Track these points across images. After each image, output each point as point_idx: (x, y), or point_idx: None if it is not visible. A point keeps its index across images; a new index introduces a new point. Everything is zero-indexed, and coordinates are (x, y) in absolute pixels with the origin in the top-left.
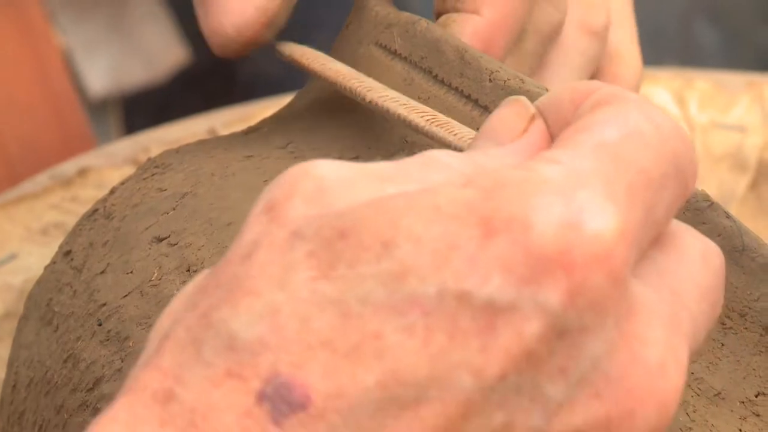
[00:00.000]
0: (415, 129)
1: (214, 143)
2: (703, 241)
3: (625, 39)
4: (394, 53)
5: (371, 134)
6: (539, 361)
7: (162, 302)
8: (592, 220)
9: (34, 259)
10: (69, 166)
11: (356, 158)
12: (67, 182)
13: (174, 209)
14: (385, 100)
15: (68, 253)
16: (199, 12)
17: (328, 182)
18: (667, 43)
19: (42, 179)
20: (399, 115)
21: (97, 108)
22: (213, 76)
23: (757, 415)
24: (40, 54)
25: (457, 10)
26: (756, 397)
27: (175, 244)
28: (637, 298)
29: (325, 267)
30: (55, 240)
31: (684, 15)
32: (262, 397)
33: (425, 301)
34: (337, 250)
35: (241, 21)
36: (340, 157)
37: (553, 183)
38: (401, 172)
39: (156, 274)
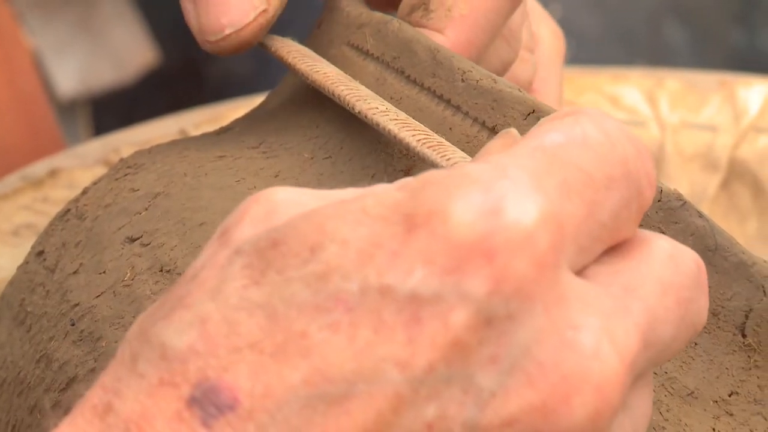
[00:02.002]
0: (405, 147)
1: (186, 143)
2: (676, 244)
3: (537, 19)
4: (367, 53)
5: (344, 134)
6: (468, 350)
7: (135, 302)
8: (513, 207)
9: (5, 260)
10: (39, 167)
11: (329, 158)
12: (37, 183)
13: (146, 209)
14: (375, 113)
15: (41, 253)
16: (190, 9)
17: (278, 205)
18: (637, 43)
19: (12, 180)
20: (390, 131)
21: (66, 109)
22: (182, 77)
23: (731, 414)
24: (9, 55)
25: (422, 26)
26: (729, 396)
27: (147, 245)
28: (571, 287)
29: (257, 275)
30: (26, 241)
31: (654, 15)
32: (191, 401)
33: (348, 298)
34: (268, 259)
35: (240, 21)
36: (312, 157)
37: (475, 177)
38: (358, 191)
39: (129, 275)
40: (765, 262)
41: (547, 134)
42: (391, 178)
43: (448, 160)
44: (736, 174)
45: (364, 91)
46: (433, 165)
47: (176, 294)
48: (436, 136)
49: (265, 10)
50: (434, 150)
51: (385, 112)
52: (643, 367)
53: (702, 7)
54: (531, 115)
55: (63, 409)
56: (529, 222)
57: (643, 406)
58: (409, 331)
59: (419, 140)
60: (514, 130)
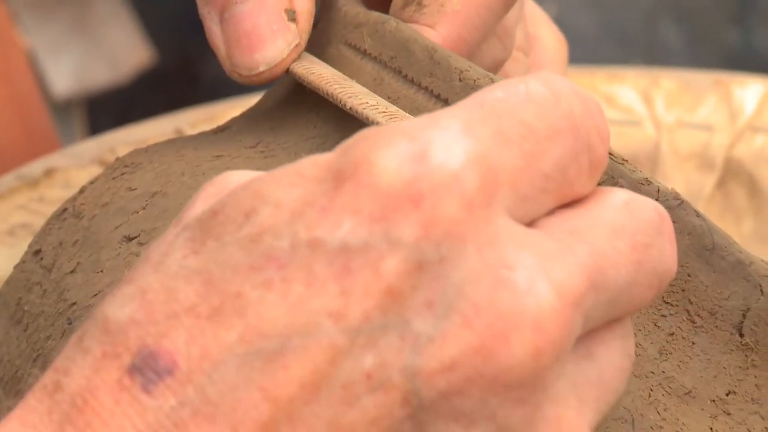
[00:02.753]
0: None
1: (183, 142)
2: (636, 195)
3: (538, 22)
4: (364, 53)
5: (341, 135)
6: (402, 297)
7: None
8: (439, 151)
9: (1, 260)
10: (35, 167)
11: None
12: (33, 183)
13: (144, 208)
14: (365, 108)
15: (38, 252)
16: (218, 38)
17: (229, 184)
18: (632, 42)
19: (8, 180)
20: (379, 124)
21: (61, 108)
22: (177, 77)
23: (728, 414)
24: (4, 55)
25: (414, 21)
26: (727, 395)
27: (145, 244)
28: (506, 229)
29: (197, 246)
30: (22, 241)
31: (649, 15)
32: (132, 369)
33: (280, 254)
34: (207, 228)
35: (275, 58)
36: None
37: (403, 129)
38: None
39: (126, 273)
40: (762, 261)
41: (489, 91)
42: None
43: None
44: (731, 173)
45: (357, 88)
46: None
47: (126, 276)
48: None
49: (298, 45)
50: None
51: (374, 106)
52: (602, 312)
53: (698, 6)
54: None
55: None
56: (455, 164)
57: (615, 358)
58: (341, 282)
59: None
60: None
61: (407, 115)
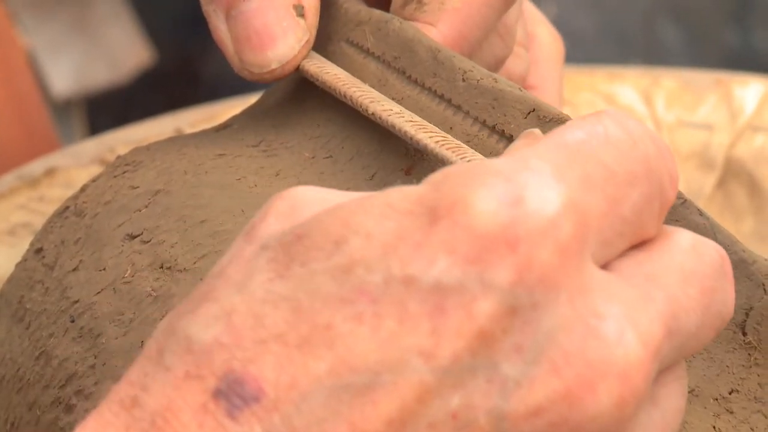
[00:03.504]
0: (423, 149)
1: (184, 140)
2: (698, 237)
3: (535, 20)
4: (367, 52)
5: (345, 134)
6: (493, 340)
7: (135, 299)
8: (535, 196)
9: (2, 259)
10: (36, 166)
11: (329, 157)
12: (34, 182)
13: (146, 207)
14: (390, 115)
15: (39, 250)
16: (225, 37)
17: (303, 201)
18: (632, 43)
19: (9, 179)
20: (406, 133)
21: (61, 108)
22: (177, 77)
23: (731, 412)
24: (4, 55)
25: (414, 19)
26: (730, 394)
27: (147, 242)
28: (594, 277)
29: (282, 269)
30: (22, 240)
31: (648, 15)
32: (217, 393)
33: (372, 288)
34: (293, 253)
35: (286, 55)
36: (313, 157)
37: (497, 168)
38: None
39: (129, 271)
40: (765, 260)
41: (568, 131)
42: (392, 178)
43: (469, 161)
44: (732, 173)
45: (375, 92)
46: (434, 155)
47: (202, 290)
48: (451, 137)
49: (308, 40)
50: (453, 152)
51: (399, 114)
52: (671, 357)
53: (697, 6)
54: (531, 114)
55: (63, 405)
56: (551, 211)
57: (675, 401)
58: (434, 321)
59: (437, 142)
60: (537, 131)
61: (433, 126)
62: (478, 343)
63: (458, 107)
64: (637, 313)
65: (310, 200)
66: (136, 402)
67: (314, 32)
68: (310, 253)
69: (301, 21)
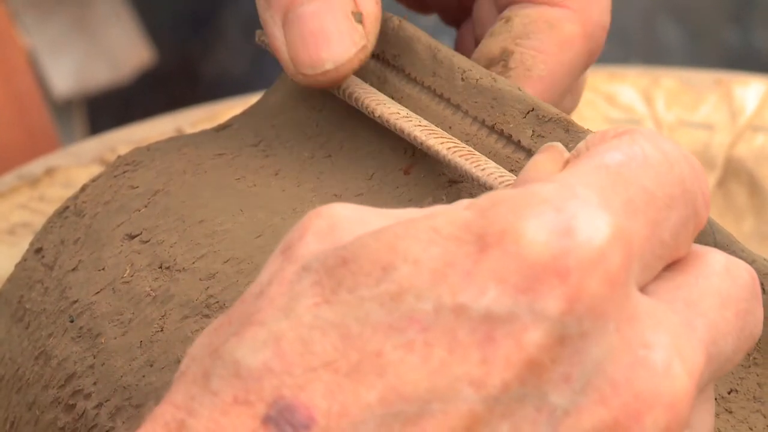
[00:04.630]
0: (434, 155)
1: (184, 140)
2: (730, 258)
3: None
4: None
5: (344, 134)
6: (542, 369)
7: (134, 299)
8: (584, 226)
9: (2, 259)
10: (36, 166)
11: (328, 157)
12: (34, 182)
13: (146, 206)
14: (397, 119)
15: (39, 250)
16: (278, 36)
17: (341, 220)
18: (631, 42)
19: (9, 179)
20: (416, 138)
21: (61, 108)
22: (177, 77)
23: (730, 412)
24: (4, 55)
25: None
26: (728, 393)
27: (147, 242)
28: (640, 305)
29: (328, 293)
30: (22, 240)
31: (648, 14)
32: (267, 420)
33: (423, 317)
34: (339, 277)
35: (341, 57)
36: (312, 156)
37: (544, 196)
38: (418, 211)
39: (128, 271)
40: (764, 259)
41: (607, 153)
42: (391, 177)
43: (483, 170)
44: (732, 172)
45: (381, 95)
46: (465, 174)
47: (244, 310)
48: (461, 143)
49: (364, 46)
50: (466, 159)
51: (407, 117)
52: (706, 381)
53: (697, 6)
54: (530, 113)
55: (62, 405)
56: (601, 241)
57: (707, 421)
58: (484, 350)
59: (449, 148)
60: (558, 144)
61: (442, 131)
62: (527, 372)
63: (457, 106)
64: (682, 341)
65: (348, 219)
66: (183, 426)
67: (373, 40)
68: (357, 278)
69: (359, 27)
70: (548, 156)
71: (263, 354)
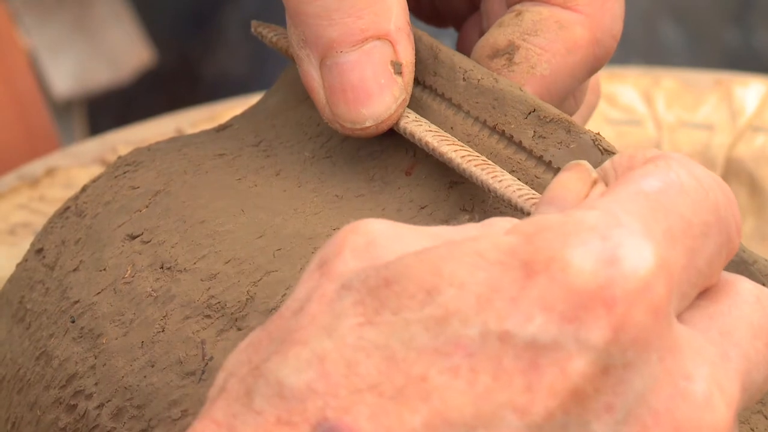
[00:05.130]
0: (448, 162)
1: (185, 141)
2: (758, 286)
3: None
4: None
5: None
6: (585, 398)
7: (135, 299)
8: (630, 256)
9: (2, 259)
10: (36, 166)
11: (329, 158)
12: (34, 182)
13: (147, 207)
14: (408, 123)
15: (40, 250)
16: (318, 89)
17: (378, 236)
18: (631, 42)
19: (9, 179)
20: (427, 144)
21: (61, 108)
22: (177, 77)
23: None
24: (5, 55)
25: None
26: None
27: (148, 242)
28: (681, 336)
29: (371, 314)
30: (23, 240)
31: (649, 14)
32: None
33: (468, 343)
34: (382, 298)
35: (382, 114)
36: (313, 156)
37: (589, 224)
38: (456, 231)
39: (129, 272)
40: (765, 260)
41: (644, 179)
42: (392, 178)
43: (500, 182)
44: (732, 173)
45: (468, 147)
46: (481, 185)
47: (283, 326)
48: (473, 151)
49: (404, 99)
50: (482, 169)
51: (417, 121)
52: (739, 412)
53: (697, 6)
54: (531, 114)
55: (63, 405)
56: (646, 271)
57: None
58: (528, 377)
59: (463, 157)
60: (586, 162)
61: (453, 137)
62: (570, 400)
63: (458, 106)
64: (720, 372)
65: (384, 235)
66: None
67: (410, 90)
68: (401, 300)
69: (399, 79)
70: (575, 174)
71: (307, 374)
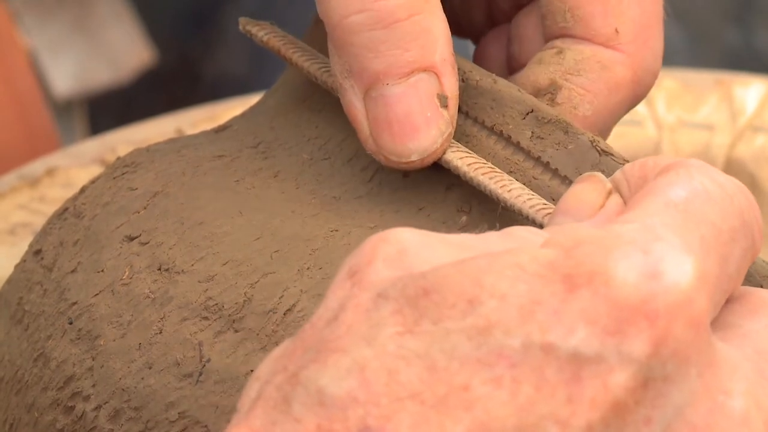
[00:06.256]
0: (454, 170)
1: (183, 142)
2: None
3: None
4: None
5: (343, 136)
6: (625, 411)
7: (133, 301)
8: (672, 270)
9: (2, 259)
10: (36, 166)
11: (327, 159)
12: (34, 182)
13: (145, 208)
14: (452, 155)
15: (38, 252)
16: (362, 120)
17: (408, 245)
18: None
19: (9, 179)
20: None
21: (62, 108)
22: (178, 77)
23: None
24: (5, 55)
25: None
26: None
27: (146, 243)
28: (719, 351)
29: (410, 323)
30: (22, 240)
31: None
32: None
33: (511, 354)
34: (421, 308)
35: (428, 149)
36: (311, 158)
37: (629, 238)
38: (480, 240)
39: (127, 273)
40: (764, 261)
41: (669, 189)
42: (390, 180)
43: (509, 191)
44: (732, 173)
45: (515, 182)
46: (490, 195)
47: (317, 336)
48: (480, 158)
49: (450, 133)
50: (490, 178)
51: (460, 150)
52: None
53: (697, 6)
54: (530, 115)
55: (61, 407)
56: (687, 285)
57: None
58: (570, 389)
59: (469, 165)
60: (600, 174)
61: (487, 163)
62: (611, 413)
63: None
64: (757, 389)
65: (415, 244)
66: None
67: (455, 123)
68: (442, 310)
69: (445, 112)
70: (590, 186)
71: (347, 383)
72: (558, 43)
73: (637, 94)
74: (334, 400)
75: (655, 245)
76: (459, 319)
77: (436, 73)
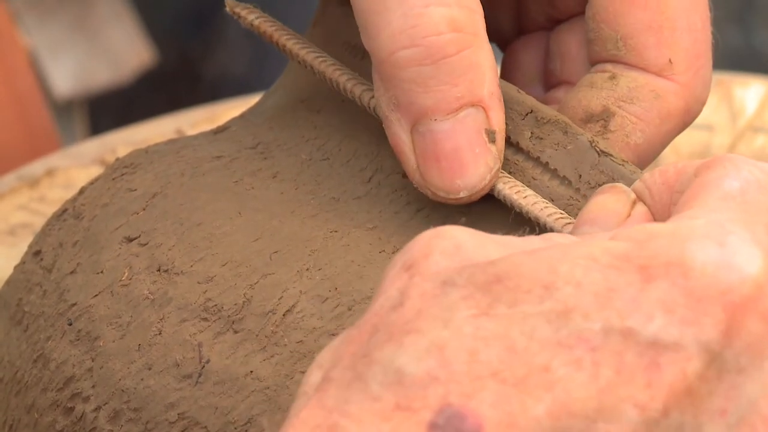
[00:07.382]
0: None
1: (182, 143)
2: None
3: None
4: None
5: (341, 136)
6: (699, 399)
7: (132, 302)
8: (746, 262)
9: (2, 260)
10: (36, 167)
11: (326, 160)
12: (34, 183)
13: (144, 209)
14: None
15: (38, 253)
16: (410, 156)
17: (462, 241)
18: None
19: (9, 180)
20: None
21: (62, 108)
22: (178, 77)
23: None
24: (5, 55)
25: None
26: None
27: (145, 244)
28: None
29: (484, 307)
30: (22, 240)
31: None
32: (433, 427)
33: (591, 337)
34: (494, 293)
35: (477, 185)
36: (310, 159)
37: (702, 231)
38: (524, 242)
39: (126, 274)
40: None
41: (722, 181)
42: (389, 181)
43: (525, 197)
44: None
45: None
46: (504, 199)
47: (384, 321)
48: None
49: (498, 169)
50: (504, 184)
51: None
52: None
53: None
54: (529, 115)
55: (61, 408)
56: (761, 277)
57: None
58: (649, 374)
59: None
60: (622, 185)
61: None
62: (687, 401)
63: None
64: None
65: (469, 242)
66: (336, 427)
67: (502, 158)
68: (517, 295)
69: (493, 148)
70: (614, 196)
71: (427, 362)
72: (609, 67)
73: (686, 122)
74: (413, 379)
75: (729, 238)
76: (536, 303)
77: (483, 108)
